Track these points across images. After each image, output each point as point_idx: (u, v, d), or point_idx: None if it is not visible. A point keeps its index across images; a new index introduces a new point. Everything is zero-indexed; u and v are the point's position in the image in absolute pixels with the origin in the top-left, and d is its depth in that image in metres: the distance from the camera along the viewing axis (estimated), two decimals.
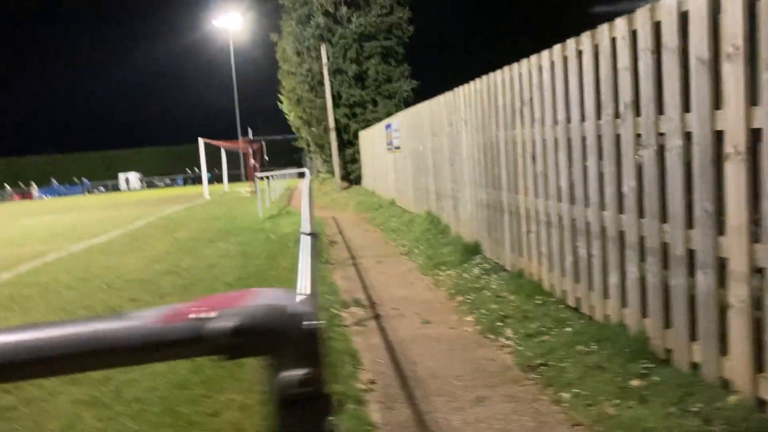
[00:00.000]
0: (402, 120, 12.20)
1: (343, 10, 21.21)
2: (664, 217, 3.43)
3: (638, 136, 3.63)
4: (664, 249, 3.44)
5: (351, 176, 22.31)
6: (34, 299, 7.00)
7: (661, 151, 3.43)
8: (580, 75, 4.28)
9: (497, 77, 6.02)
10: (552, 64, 4.73)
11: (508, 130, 5.79)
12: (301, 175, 15.96)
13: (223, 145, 25.30)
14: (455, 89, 7.73)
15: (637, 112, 3.64)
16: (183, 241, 11.49)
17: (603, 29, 3.94)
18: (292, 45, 22.45)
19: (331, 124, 21.59)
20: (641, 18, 3.52)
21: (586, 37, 4.15)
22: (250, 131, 30.04)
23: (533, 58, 5.07)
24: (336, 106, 21.66)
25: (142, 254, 10.07)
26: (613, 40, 3.85)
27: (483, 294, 5.59)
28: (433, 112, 9.14)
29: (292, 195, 25.35)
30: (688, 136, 3.18)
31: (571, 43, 4.38)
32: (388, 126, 14.31)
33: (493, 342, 4.50)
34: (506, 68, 5.74)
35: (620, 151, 3.84)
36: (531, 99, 5.17)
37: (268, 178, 17.01)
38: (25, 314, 6.31)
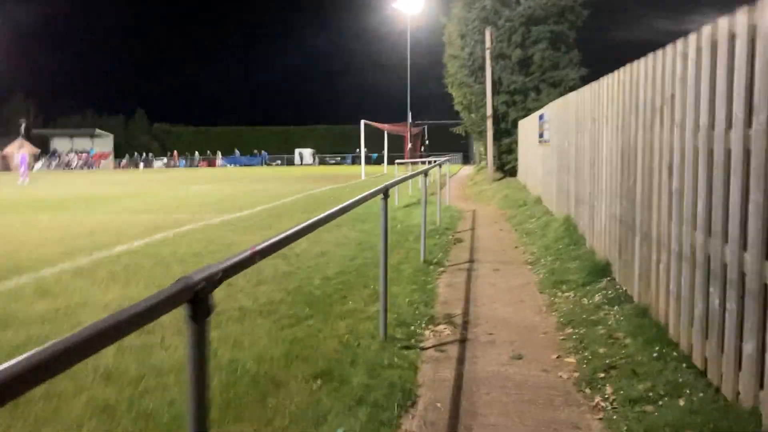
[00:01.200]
0: (552, 111, 11.05)
1: None
2: None
3: None
4: None
5: (506, 167, 21.20)
6: (144, 271, 7.10)
7: None
8: (730, 65, 3.19)
9: (640, 67, 4.92)
10: (698, 51, 3.63)
11: (647, 132, 4.69)
12: (440, 164, 15.30)
13: (384, 128, 25.28)
14: (600, 79, 6.62)
15: None
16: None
17: (765, 3, 2.85)
18: (457, 27, 21.67)
19: (489, 111, 20.57)
20: None
21: (742, 15, 3.05)
22: (409, 115, 29.83)
23: (679, 43, 3.97)
24: (496, 92, 20.59)
25: (268, 233, 10.06)
26: None
27: (595, 330, 4.61)
28: (579, 105, 8.04)
29: (446, 184, 24.78)
30: None
31: (723, 23, 3.28)
32: (541, 116, 13.15)
33: (586, 401, 3.59)
34: (650, 56, 4.64)
35: None
36: (673, 96, 4.07)
37: (418, 163, 16.54)
38: (124, 286, 6.37)
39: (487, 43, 20.18)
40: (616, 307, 4.98)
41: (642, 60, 4.85)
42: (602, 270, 5.90)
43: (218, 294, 5.74)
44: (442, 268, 7.22)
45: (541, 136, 12.93)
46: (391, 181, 5.20)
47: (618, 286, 5.49)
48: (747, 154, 3.00)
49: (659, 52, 4.38)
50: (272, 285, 6.47)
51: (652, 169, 4.55)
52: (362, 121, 21.28)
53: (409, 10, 43.46)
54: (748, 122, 2.99)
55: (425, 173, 8.21)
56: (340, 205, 3.64)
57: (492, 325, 5.08)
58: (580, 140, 7.93)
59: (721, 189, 3.29)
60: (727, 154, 3.22)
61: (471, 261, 7.74)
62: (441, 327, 5.06)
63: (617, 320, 4.68)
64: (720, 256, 3.30)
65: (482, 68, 20.73)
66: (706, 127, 3.48)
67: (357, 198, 4.14)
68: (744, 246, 3.03)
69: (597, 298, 5.37)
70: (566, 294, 5.73)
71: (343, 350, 4.43)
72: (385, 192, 4.80)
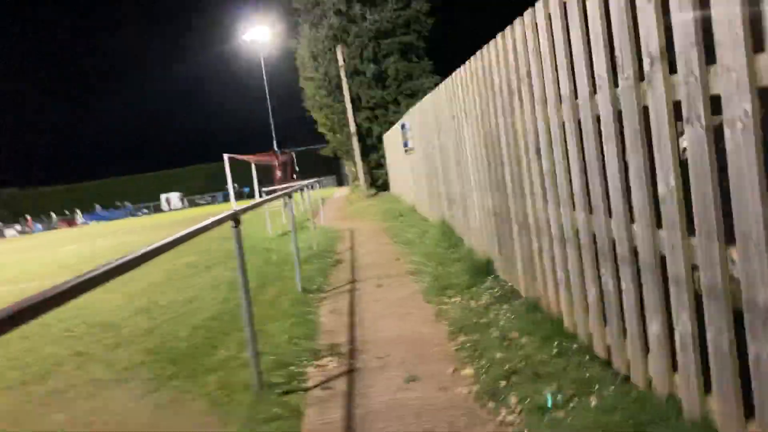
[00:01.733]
0: (412, 117, 10.89)
1: (357, 7, 19.99)
2: (730, 236, 2.06)
3: (678, 106, 2.27)
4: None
5: (378, 182, 21.08)
6: None
7: (718, 128, 2.08)
8: (584, 24, 2.93)
9: (490, 50, 4.68)
10: (548, 17, 3.38)
11: (507, 116, 4.44)
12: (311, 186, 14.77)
13: (250, 159, 24.36)
14: (453, 73, 6.41)
15: (672, 66, 2.28)
16: (178, 269, 10.48)
17: None
18: (307, 49, 21.38)
19: (352, 128, 20.40)
20: None
21: None
22: (275, 143, 29.14)
23: (527, 14, 3.72)
24: (356, 109, 20.46)
25: (127, 289, 9.07)
26: None
27: (489, 334, 4.25)
28: (436, 105, 7.85)
29: (322, 206, 24.30)
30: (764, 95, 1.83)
31: None
32: (403, 125, 13.02)
33: (491, 416, 3.17)
34: (498, 36, 4.40)
35: (650, 133, 2.48)
36: (529, 72, 3.82)
37: (286, 193, 15.83)
38: None
39: (340, 61, 20.04)
40: (505, 306, 4.67)
41: (491, 43, 4.62)
42: (485, 268, 5.62)
43: (66, 366, 4.80)
44: (323, 294, 6.68)
45: (405, 145, 12.78)
46: (241, 207, 4.61)
47: (503, 282, 5.21)
48: (618, 116, 2.72)
49: (507, 30, 4.14)
50: (131, 346, 5.65)
51: (519, 155, 4.29)
52: (225, 156, 20.29)
53: (259, 40, 42.83)
54: (614, 82, 2.72)
55: (289, 195, 7.66)
56: (169, 238, 3.00)
57: (381, 347, 4.60)
58: (443, 140, 7.72)
59: (595, 160, 3.02)
60: (596, 120, 2.95)
61: (353, 281, 7.26)
62: (326, 360, 4.51)
63: (509, 319, 4.36)
64: (606, 233, 3.02)
65: (339, 87, 20.54)
66: (569, 97, 3.21)
67: (195, 227, 3.48)
68: (631, 218, 2.75)
69: (484, 298, 5.05)
70: (453, 299, 5.37)
71: (213, 411, 3.77)
72: (235, 218, 4.19)
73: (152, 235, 21.95)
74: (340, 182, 58.64)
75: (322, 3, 20.25)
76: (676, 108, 2.29)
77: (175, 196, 62.97)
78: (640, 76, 2.51)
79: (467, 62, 5.59)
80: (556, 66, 3.35)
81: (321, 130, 25.42)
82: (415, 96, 19.76)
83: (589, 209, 3.20)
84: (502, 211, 5.00)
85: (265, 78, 47.34)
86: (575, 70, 3.08)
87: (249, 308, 4.13)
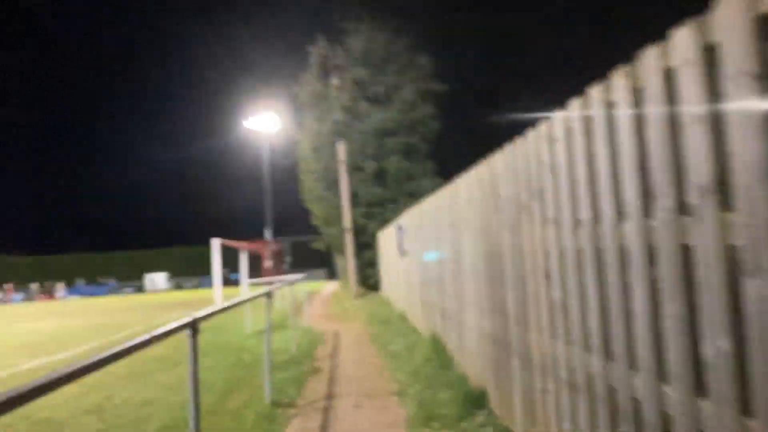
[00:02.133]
0: (409, 220, 10.51)
1: (364, 105, 20.18)
2: None
3: (733, 248, 1.82)
4: None
5: (369, 281, 20.50)
6: None
7: None
8: (611, 139, 2.53)
9: (497, 161, 4.31)
10: (568, 130, 2.99)
11: (514, 234, 4.00)
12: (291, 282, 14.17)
13: (241, 246, 23.88)
14: (457, 179, 6.05)
15: (725, 199, 1.84)
16: (142, 364, 9.72)
17: (650, 56, 2.23)
18: (310, 141, 21.42)
19: (347, 224, 20.06)
20: (729, 19, 1.81)
21: (620, 77, 2.43)
22: (266, 232, 28.75)
23: (543, 125, 3.35)
24: (354, 204, 20.22)
25: (85, 381, 8.32)
26: (668, 73, 2.13)
27: None
28: (436, 210, 7.46)
29: (308, 302, 23.55)
30: None
31: (596, 92, 2.65)
32: (399, 227, 12.63)
33: None
34: (508, 146, 4.03)
35: (690, 275, 2.01)
36: (541, 189, 3.41)
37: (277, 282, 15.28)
38: None
39: (341, 156, 19.99)
40: None
41: (499, 153, 4.25)
42: (478, 399, 5.00)
43: None
44: (293, 410, 5.99)
45: (400, 246, 12.35)
46: (202, 312, 4.05)
47: (498, 421, 4.59)
48: (649, 251, 2.26)
49: (518, 141, 3.78)
50: None
51: (524, 276, 3.81)
52: (214, 240, 19.79)
53: (261, 128, 43.23)
54: (646, 211, 2.28)
55: (268, 294, 7.10)
56: (122, 345, 2.49)
57: None
58: (441, 249, 7.28)
59: (618, 299, 2.53)
60: (620, 253, 2.49)
61: (329, 397, 6.59)
62: None
63: None
64: (628, 389, 2.48)
65: (337, 181, 20.40)
66: (591, 222, 2.77)
67: (149, 335, 2.95)
68: (661, 376, 2.23)
69: None
70: None
71: None
72: (193, 325, 3.65)
73: (128, 317, 21.08)
74: (332, 275, 57.88)
75: (329, 99, 20.47)
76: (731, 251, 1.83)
77: (160, 277, 61.76)
78: (680, 208, 2.07)
79: (473, 169, 5.22)
80: (575, 183, 2.93)
81: (316, 222, 25.13)
82: (414, 196, 19.56)
83: (608, 355, 2.67)
84: (502, 338, 4.46)
85: (267, 166, 47.75)
86: (599, 190, 2.66)
87: None
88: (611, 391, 2.66)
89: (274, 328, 13.00)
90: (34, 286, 59.47)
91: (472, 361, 5.62)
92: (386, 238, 15.86)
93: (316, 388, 7.02)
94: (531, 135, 3.55)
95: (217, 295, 24.86)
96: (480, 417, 4.74)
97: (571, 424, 3.13)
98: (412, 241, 10.13)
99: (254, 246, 25.53)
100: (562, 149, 3.06)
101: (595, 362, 2.80)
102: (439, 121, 21.04)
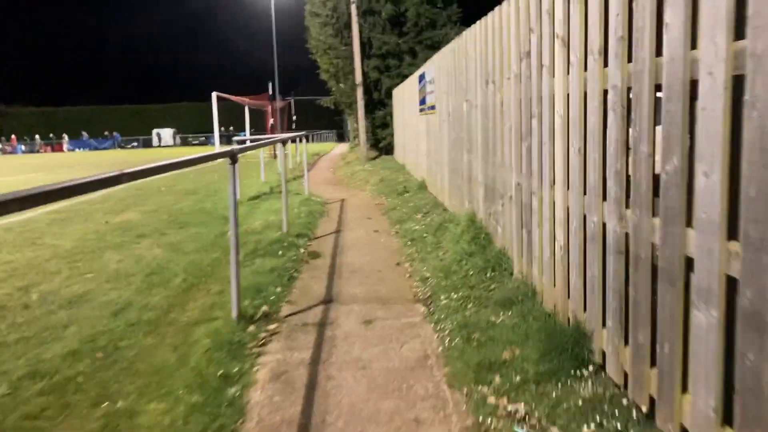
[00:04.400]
0: (441, 64, 8.10)
1: None
2: None
3: None
4: None
5: (381, 144, 18.30)
6: None
7: None
8: None
9: None
10: None
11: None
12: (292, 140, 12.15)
13: (244, 101, 21.46)
14: None
15: None
16: (101, 232, 7.85)
17: None
18: None
19: (358, 78, 17.48)
20: None
21: None
22: (270, 87, 26.11)
23: None
24: (365, 56, 17.53)
25: (22, 254, 6.49)
26: None
27: None
28: (489, 39, 5.11)
29: (314, 164, 21.52)
30: None
31: None
32: (421, 77, 10.22)
33: None
34: None
35: None
36: None
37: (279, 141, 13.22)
38: None
39: None
40: None
41: None
42: (572, 342, 2.96)
43: None
44: (271, 327, 4.03)
45: (423, 102, 10.02)
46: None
47: (617, 388, 2.58)
48: None
49: None
50: None
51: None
52: (214, 94, 17.51)
53: None
54: None
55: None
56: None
57: None
58: (493, 96, 5.01)
59: None
60: None
61: (328, 301, 4.63)
62: None
63: None
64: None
65: (348, 26, 17.56)
66: None
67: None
68: None
69: (593, 426, 2.42)
70: (508, 407, 2.73)
71: None
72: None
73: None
74: (342, 138, 55.69)
75: None
76: None
77: (167, 133, 59.90)
78: None
79: None
80: None
81: (323, 76, 22.47)
82: (436, 48, 16.83)
83: None
84: (622, 238, 2.33)
85: (273, 13, 44.05)
86: None
87: None
88: None
89: (267, 195, 11.03)
90: (38, 138, 58.36)
91: (554, 273, 3.55)
92: (404, 94, 13.45)
93: (311, 286, 5.05)
94: None
95: (216, 150, 22.82)
96: (583, 380, 2.73)
97: None
98: (443, 91, 7.79)
99: (257, 101, 23.11)
100: None
101: None
102: None
